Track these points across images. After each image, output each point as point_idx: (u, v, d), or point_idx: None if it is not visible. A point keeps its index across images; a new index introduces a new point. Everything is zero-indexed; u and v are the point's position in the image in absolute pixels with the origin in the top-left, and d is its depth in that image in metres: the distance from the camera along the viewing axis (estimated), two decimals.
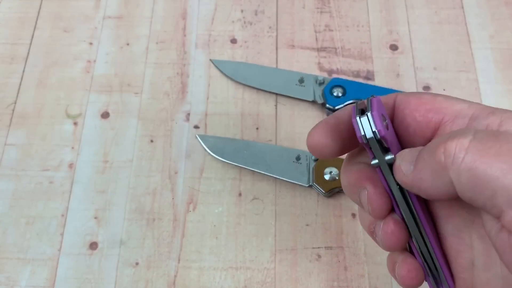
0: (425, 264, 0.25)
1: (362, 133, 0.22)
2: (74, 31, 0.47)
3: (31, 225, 0.38)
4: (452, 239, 0.24)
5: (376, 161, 0.23)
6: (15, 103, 0.44)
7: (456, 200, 0.21)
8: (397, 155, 0.22)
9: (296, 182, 0.39)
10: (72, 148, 0.41)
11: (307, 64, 0.45)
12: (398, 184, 0.23)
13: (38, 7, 0.48)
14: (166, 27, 0.47)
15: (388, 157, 0.23)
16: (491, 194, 0.18)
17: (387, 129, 0.22)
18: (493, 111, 0.22)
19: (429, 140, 0.24)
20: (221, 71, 0.45)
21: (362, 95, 0.42)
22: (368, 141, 0.22)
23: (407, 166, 0.21)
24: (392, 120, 0.25)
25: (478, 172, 0.18)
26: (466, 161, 0.19)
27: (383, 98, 0.25)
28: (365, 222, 0.27)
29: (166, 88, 0.44)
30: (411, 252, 0.26)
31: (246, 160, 0.40)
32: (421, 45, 0.46)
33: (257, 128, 0.42)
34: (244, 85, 0.44)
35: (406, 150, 0.22)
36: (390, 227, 0.24)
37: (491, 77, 0.44)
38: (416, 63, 0.45)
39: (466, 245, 0.24)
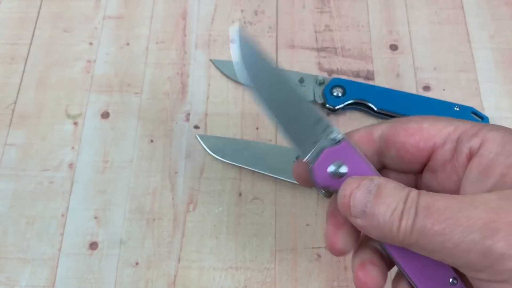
0: None
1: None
2: (74, 31, 0.47)
3: (31, 225, 0.38)
4: None
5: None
6: (15, 103, 0.44)
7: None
8: (344, 193, 0.23)
9: (296, 182, 0.39)
10: (72, 148, 0.41)
11: (307, 64, 0.45)
12: None
13: (38, 7, 0.48)
14: (166, 27, 0.47)
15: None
16: (441, 259, 0.21)
17: (337, 176, 0.24)
18: (476, 132, 0.23)
19: (425, 164, 0.25)
20: (221, 71, 0.45)
21: (362, 95, 0.42)
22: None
23: (357, 212, 0.22)
24: (386, 150, 0.26)
25: (424, 246, 0.21)
26: (412, 239, 0.21)
27: (366, 132, 0.26)
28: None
29: (166, 88, 0.44)
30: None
31: (246, 160, 0.40)
32: (421, 45, 0.46)
33: (257, 128, 0.42)
34: (244, 85, 0.44)
35: (358, 189, 0.22)
36: (361, 274, 0.25)
37: (491, 77, 0.44)
38: (416, 63, 0.45)
39: None
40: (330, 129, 0.25)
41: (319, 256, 0.37)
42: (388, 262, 0.25)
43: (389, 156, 0.26)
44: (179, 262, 0.37)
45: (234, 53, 0.26)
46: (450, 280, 0.23)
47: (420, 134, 0.25)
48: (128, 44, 0.46)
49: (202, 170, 0.40)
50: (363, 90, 0.42)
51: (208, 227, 0.38)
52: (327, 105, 0.42)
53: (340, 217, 0.24)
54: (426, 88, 0.44)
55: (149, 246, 0.38)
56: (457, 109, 0.41)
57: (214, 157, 0.41)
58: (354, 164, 0.24)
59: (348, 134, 0.26)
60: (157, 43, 0.46)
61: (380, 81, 0.44)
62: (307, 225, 0.38)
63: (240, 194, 0.39)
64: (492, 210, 0.20)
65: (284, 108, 0.26)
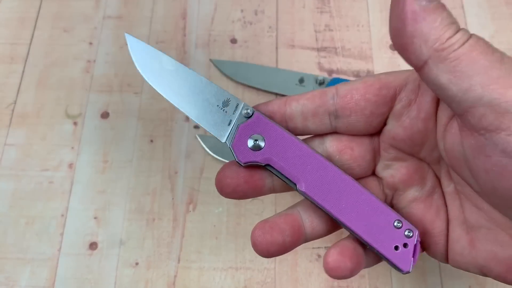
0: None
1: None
2: (74, 31, 0.47)
3: (31, 225, 0.38)
4: (418, 207, 0.25)
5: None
6: (15, 103, 0.44)
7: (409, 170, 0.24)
8: None
9: None
10: (72, 148, 0.41)
11: (307, 64, 0.45)
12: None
13: (38, 7, 0.48)
14: (166, 27, 0.47)
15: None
16: (466, 88, 0.19)
17: (257, 148, 0.25)
18: None
19: (386, 116, 0.25)
20: (221, 71, 0.45)
21: None
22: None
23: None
24: (341, 109, 0.25)
25: (461, 64, 0.19)
26: (457, 52, 0.19)
27: (318, 94, 0.26)
28: None
29: None
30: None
31: None
32: None
33: None
34: (244, 85, 0.44)
35: None
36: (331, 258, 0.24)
37: None
38: None
39: (436, 206, 0.25)
40: (240, 106, 0.25)
41: (319, 256, 0.37)
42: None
43: (345, 116, 0.25)
44: (179, 262, 0.37)
45: (133, 58, 0.27)
46: (395, 223, 0.24)
47: (380, 82, 0.24)
48: (128, 44, 0.46)
49: (202, 170, 0.40)
50: None
51: (208, 227, 0.38)
52: None
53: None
54: None
55: (149, 246, 0.38)
56: None
57: (214, 157, 0.41)
58: (270, 133, 0.25)
59: (289, 99, 0.26)
60: (157, 43, 0.46)
61: None
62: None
63: None
64: None
65: (191, 98, 0.26)
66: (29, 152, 0.41)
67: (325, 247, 0.37)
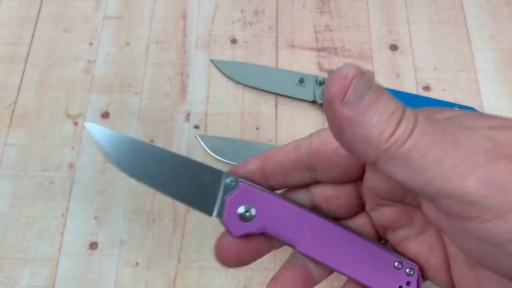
0: None
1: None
2: (74, 31, 0.47)
3: (31, 225, 0.38)
4: (410, 245, 0.24)
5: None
6: (15, 103, 0.44)
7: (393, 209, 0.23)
8: (346, 73, 0.19)
9: None
10: (72, 148, 0.41)
11: (307, 64, 0.45)
12: None
13: (38, 7, 0.48)
14: (166, 27, 0.47)
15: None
16: (424, 182, 0.18)
17: (245, 219, 0.24)
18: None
19: (364, 165, 0.24)
20: (221, 71, 0.45)
21: None
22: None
23: (352, 99, 0.18)
24: (318, 161, 0.24)
25: (412, 160, 0.18)
26: (404, 148, 0.18)
27: (292, 150, 0.25)
28: None
29: (166, 88, 0.44)
30: None
31: None
32: (421, 45, 0.46)
33: (257, 128, 0.42)
34: (244, 85, 0.44)
35: (361, 75, 0.19)
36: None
37: (491, 77, 0.44)
38: (416, 63, 0.45)
39: (429, 244, 0.24)
40: (223, 178, 0.24)
41: None
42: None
43: (322, 170, 0.24)
44: (179, 262, 0.37)
45: (100, 150, 0.25)
46: (395, 264, 0.24)
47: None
48: (128, 44, 0.46)
49: None
50: None
51: (208, 227, 0.38)
52: None
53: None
54: (426, 88, 0.44)
55: (149, 246, 0.38)
56: (457, 109, 0.41)
57: (214, 157, 0.41)
58: (259, 200, 0.24)
59: (266, 157, 0.25)
60: (157, 43, 0.46)
61: (380, 81, 0.44)
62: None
63: None
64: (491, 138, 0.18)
65: (171, 180, 0.25)
66: (30, 152, 0.41)
67: None
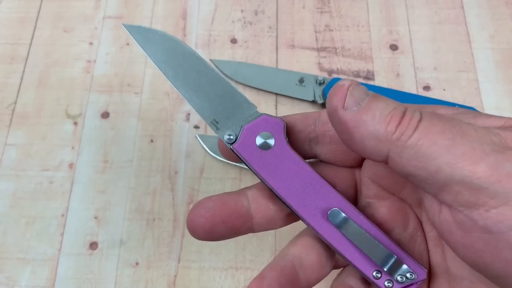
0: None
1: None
2: (74, 31, 0.47)
3: (31, 225, 0.38)
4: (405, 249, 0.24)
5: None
6: (15, 103, 0.44)
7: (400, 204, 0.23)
8: (342, 83, 0.21)
9: None
10: (72, 148, 0.41)
11: (307, 64, 0.45)
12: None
13: (38, 7, 0.48)
14: (166, 27, 0.47)
15: None
16: (434, 170, 0.18)
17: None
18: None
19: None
20: (221, 71, 0.45)
21: None
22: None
23: (352, 104, 0.20)
24: (321, 135, 0.24)
25: (422, 149, 0.18)
26: (413, 138, 0.19)
27: (300, 116, 0.25)
28: None
29: (166, 88, 0.44)
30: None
31: None
32: (421, 45, 0.46)
33: None
34: (244, 85, 0.44)
35: (356, 84, 0.21)
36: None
37: (491, 77, 0.44)
38: (416, 63, 0.45)
39: (418, 252, 0.24)
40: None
41: None
42: None
43: (325, 143, 0.24)
44: (179, 262, 0.37)
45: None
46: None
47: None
48: (128, 44, 0.46)
49: (202, 170, 0.40)
50: None
51: None
52: None
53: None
54: (426, 88, 0.44)
55: (149, 246, 0.38)
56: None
57: (214, 157, 0.41)
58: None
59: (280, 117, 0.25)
60: None
61: (380, 81, 0.44)
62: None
63: None
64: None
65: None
66: (30, 152, 0.41)
67: None
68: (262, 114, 0.24)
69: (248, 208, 0.24)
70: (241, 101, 0.25)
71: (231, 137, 0.24)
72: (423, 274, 0.22)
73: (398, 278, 0.22)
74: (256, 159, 0.24)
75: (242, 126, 0.24)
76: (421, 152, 0.18)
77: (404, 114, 0.19)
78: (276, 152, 0.24)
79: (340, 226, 0.23)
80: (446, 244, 0.21)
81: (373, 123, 0.19)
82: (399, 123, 0.19)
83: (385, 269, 0.22)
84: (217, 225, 0.23)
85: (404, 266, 0.22)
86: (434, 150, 0.18)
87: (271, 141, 0.24)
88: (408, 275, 0.22)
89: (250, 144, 0.24)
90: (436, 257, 0.23)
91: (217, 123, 0.25)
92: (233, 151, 0.24)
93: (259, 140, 0.24)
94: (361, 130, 0.19)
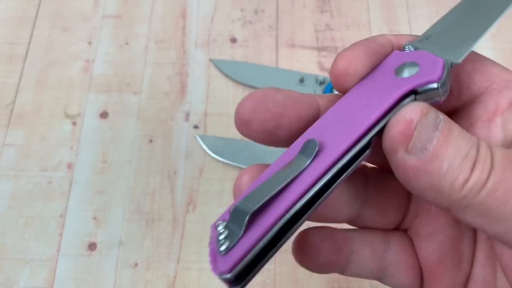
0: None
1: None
2: (73, 30, 0.47)
3: (30, 226, 0.38)
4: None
5: None
6: (14, 103, 0.43)
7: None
8: (410, 117, 0.16)
9: None
10: (71, 148, 0.41)
11: (307, 63, 0.45)
12: None
13: (37, 6, 0.48)
14: (165, 27, 0.47)
15: None
16: (503, 231, 0.16)
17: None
18: None
19: (466, 102, 0.20)
20: (221, 71, 0.44)
21: None
22: None
23: (418, 148, 0.16)
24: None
25: (491, 210, 0.16)
26: (480, 197, 0.16)
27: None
28: None
29: (165, 88, 0.44)
30: None
31: (246, 160, 0.40)
32: None
33: None
34: (244, 85, 0.44)
35: (425, 117, 0.16)
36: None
37: None
38: None
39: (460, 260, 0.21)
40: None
41: None
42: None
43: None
44: (178, 263, 0.37)
45: None
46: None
47: (481, 65, 0.20)
48: (127, 44, 0.46)
49: (201, 170, 0.40)
50: None
51: (207, 227, 0.38)
52: None
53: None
54: None
55: (148, 247, 0.37)
56: None
57: (214, 157, 0.40)
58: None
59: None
60: (156, 42, 0.46)
61: None
62: (308, 225, 0.38)
63: None
64: None
65: None
66: (28, 152, 0.41)
67: None
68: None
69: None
70: None
71: None
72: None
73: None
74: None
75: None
76: (487, 213, 0.16)
77: (475, 163, 0.16)
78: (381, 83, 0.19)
79: None
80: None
81: (439, 177, 0.16)
82: (468, 179, 0.16)
83: None
84: (283, 127, 0.19)
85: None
86: (503, 211, 0.15)
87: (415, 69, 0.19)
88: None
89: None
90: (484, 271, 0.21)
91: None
92: None
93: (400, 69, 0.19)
94: (424, 180, 0.16)
